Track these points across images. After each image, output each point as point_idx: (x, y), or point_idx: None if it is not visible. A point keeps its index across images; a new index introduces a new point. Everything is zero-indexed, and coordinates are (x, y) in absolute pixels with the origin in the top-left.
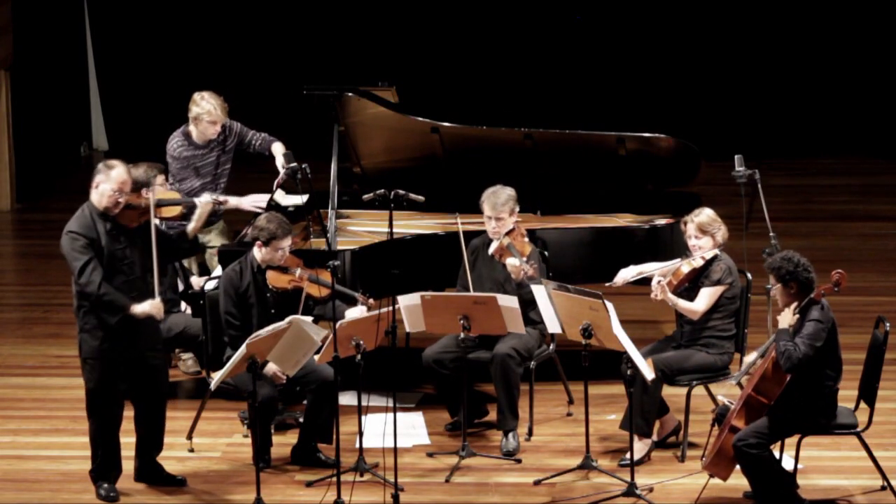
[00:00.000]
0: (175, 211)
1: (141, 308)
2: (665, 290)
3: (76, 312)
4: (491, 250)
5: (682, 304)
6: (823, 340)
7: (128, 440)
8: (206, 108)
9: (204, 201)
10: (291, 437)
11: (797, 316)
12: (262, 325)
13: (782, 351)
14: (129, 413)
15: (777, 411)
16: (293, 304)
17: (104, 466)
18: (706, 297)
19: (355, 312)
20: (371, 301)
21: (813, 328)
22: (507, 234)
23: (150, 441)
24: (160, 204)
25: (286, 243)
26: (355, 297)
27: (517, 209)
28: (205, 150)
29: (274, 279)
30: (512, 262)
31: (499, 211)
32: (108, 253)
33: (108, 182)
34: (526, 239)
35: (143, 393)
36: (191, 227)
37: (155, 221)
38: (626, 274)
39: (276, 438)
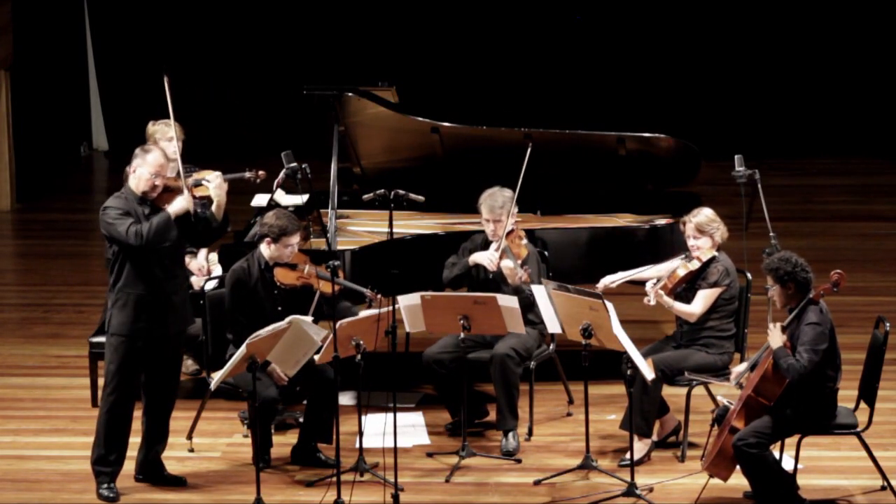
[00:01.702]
0: (209, 190)
1: (176, 206)
2: (660, 295)
3: (110, 289)
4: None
5: (679, 306)
6: (827, 341)
7: (132, 440)
8: (157, 128)
9: (211, 176)
10: (291, 437)
11: (789, 331)
12: (270, 322)
13: (785, 368)
14: (135, 413)
15: (777, 411)
16: (301, 301)
17: (105, 455)
18: (702, 300)
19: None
20: (380, 297)
21: (813, 333)
22: (506, 235)
23: (156, 433)
24: (197, 184)
25: (295, 240)
26: (364, 294)
27: (516, 211)
28: None
29: (282, 276)
30: (507, 264)
31: (497, 213)
32: None
33: (146, 166)
34: (524, 241)
35: (156, 382)
36: (213, 208)
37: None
38: (607, 280)
39: (276, 438)
